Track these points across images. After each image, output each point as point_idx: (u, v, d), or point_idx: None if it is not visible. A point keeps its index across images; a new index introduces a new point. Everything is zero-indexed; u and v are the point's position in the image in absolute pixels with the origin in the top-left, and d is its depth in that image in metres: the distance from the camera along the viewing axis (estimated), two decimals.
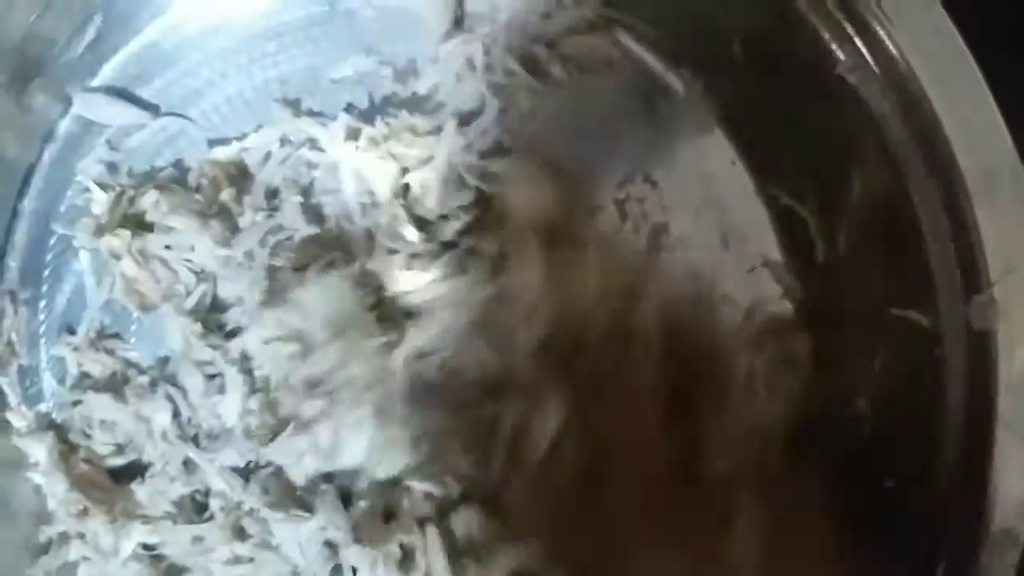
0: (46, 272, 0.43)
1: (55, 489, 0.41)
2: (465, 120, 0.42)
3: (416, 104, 0.43)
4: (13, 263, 0.43)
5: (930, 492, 0.36)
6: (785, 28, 0.39)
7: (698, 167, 0.44)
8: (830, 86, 0.38)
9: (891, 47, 0.35)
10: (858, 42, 0.36)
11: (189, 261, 0.41)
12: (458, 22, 0.43)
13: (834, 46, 0.37)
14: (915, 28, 0.35)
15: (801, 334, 0.43)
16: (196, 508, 0.41)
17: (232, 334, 0.40)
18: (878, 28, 0.35)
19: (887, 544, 0.37)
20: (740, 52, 0.41)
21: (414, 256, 0.39)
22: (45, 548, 0.41)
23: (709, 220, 0.44)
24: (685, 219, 0.44)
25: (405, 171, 0.40)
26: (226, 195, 0.41)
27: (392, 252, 0.39)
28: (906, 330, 0.38)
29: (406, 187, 0.41)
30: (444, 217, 0.41)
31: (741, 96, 0.43)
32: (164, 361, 0.42)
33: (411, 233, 0.39)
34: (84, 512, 0.40)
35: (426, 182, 0.40)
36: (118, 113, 0.43)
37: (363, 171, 0.40)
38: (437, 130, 0.41)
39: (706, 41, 0.43)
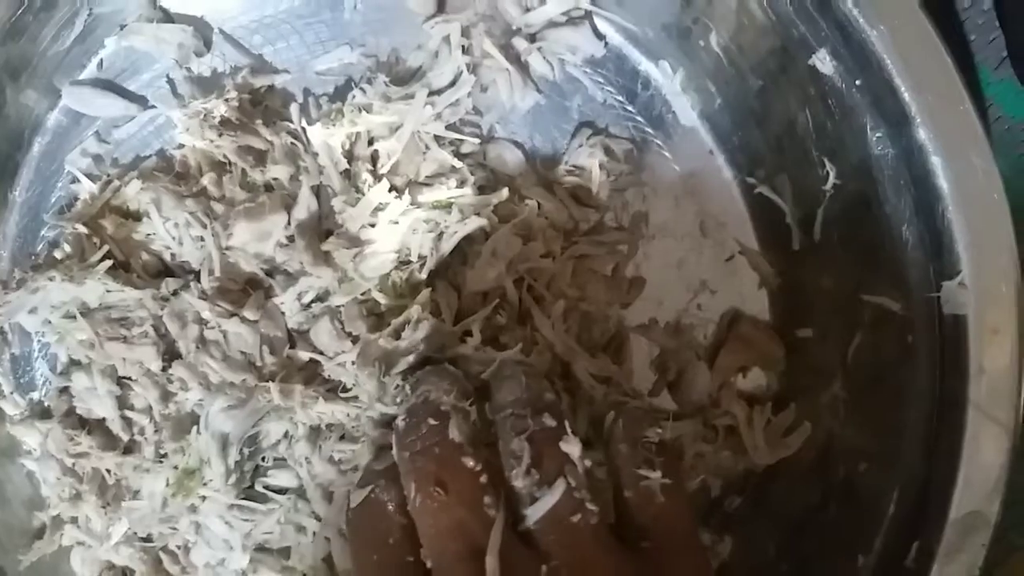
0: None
1: (48, 475, 0.42)
2: (438, 93, 0.42)
3: (397, 78, 0.43)
4: (4, 253, 0.44)
5: (903, 474, 0.37)
6: (763, 23, 0.39)
7: (677, 157, 0.45)
8: (805, 78, 0.39)
9: (865, 39, 0.35)
10: (832, 34, 0.37)
11: (169, 248, 0.41)
12: (440, 7, 0.43)
13: (810, 39, 0.38)
14: (889, 20, 0.35)
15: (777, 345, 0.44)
16: None
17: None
18: (853, 22, 0.35)
19: (860, 526, 0.38)
20: (718, 45, 0.42)
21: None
22: (39, 533, 0.42)
23: (688, 209, 0.45)
24: (665, 208, 0.45)
25: (372, 140, 0.41)
26: (207, 180, 0.41)
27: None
28: (879, 316, 0.39)
29: (374, 154, 0.41)
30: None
31: (719, 87, 0.43)
32: None
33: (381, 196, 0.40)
34: (77, 497, 0.41)
35: (391, 150, 0.40)
36: (106, 105, 0.43)
37: (331, 140, 0.40)
38: (409, 98, 0.41)
39: (685, 34, 0.43)
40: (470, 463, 0.30)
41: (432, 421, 0.31)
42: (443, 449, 0.31)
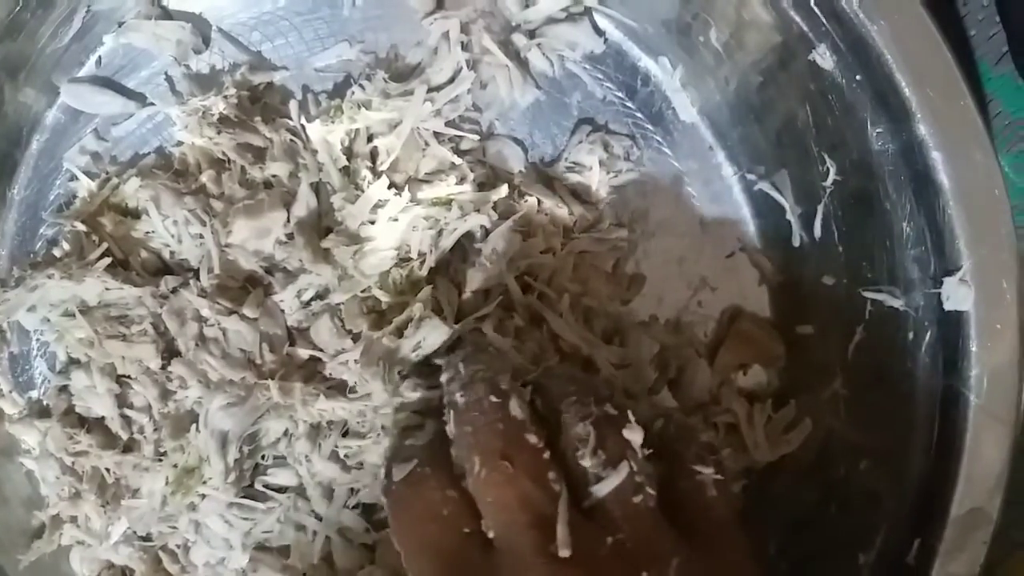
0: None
1: (47, 474, 0.41)
2: (438, 89, 0.42)
3: (397, 74, 0.43)
4: (3, 251, 0.44)
5: (904, 472, 0.37)
6: (763, 19, 0.39)
7: (677, 154, 0.45)
8: (805, 74, 0.39)
9: (865, 34, 0.35)
10: (832, 29, 0.36)
11: (168, 246, 0.41)
12: (439, 3, 0.43)
13: (810, 34, 0.37)
14: (889, 15, 0.35)
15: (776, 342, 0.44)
16: None
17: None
18: (853, 17, 0.35)
19: (861, 524, 0.38)
20: (718, 41, 0.42)
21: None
22: (38, 532, 0.42)
23: (688, 206, 0.45)
24: (665, 205, 0.44)
25: (372, 137, 0.41)
26: (206, 177, 0.41)
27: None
28: (880, 312, 0.39)
29: (374, 151, 0.41)
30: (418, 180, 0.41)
31: (719, 84, 0.43)
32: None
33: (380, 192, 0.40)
34: (76, 495, 0.41)
35: (391, 146, 0.40)
36: (105, 103, 0.43)
37: (330, 137, 0.40)
38: (408, 94, 0.41)
39: (684, 30, 0.43)
40: (533, 439, 0.31)
41: (494, 398, 0.32)
42: (507, 425, 0.31)
